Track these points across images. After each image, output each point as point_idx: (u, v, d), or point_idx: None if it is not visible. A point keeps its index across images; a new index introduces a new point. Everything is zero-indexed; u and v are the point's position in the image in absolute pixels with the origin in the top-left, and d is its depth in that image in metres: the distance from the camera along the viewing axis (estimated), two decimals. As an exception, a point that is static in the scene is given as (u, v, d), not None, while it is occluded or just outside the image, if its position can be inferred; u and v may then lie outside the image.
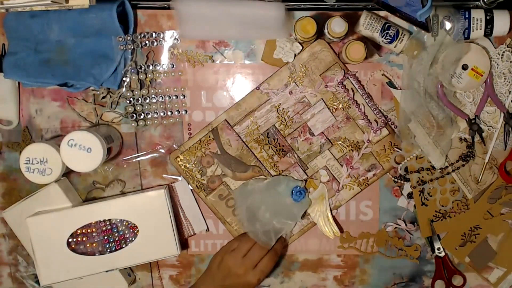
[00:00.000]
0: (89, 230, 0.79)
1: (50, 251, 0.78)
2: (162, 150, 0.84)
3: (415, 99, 0.80)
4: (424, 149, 0.83)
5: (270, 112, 0.82)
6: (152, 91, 0.83)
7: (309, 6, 0.81)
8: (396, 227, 0.86)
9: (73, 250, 0.79)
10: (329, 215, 0.84)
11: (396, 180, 0.84)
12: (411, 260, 0.87)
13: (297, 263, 0.88)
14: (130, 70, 0.81)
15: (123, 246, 0.80)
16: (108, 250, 0.79)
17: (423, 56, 0.78)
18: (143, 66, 0.81)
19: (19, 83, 0.83)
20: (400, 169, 0.84)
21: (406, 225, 0.86)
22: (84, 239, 0.79)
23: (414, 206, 0.85)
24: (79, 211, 0.79)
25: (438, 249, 0.86)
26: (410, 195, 0.85)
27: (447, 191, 0.85)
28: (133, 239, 0.80)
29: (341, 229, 0.86)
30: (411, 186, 0.84)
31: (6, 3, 0.72)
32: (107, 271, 0.80)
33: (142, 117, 0.83)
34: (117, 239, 0.79)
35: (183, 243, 0.86)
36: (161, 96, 0.83)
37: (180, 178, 0.85)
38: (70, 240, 0.79)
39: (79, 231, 0.79)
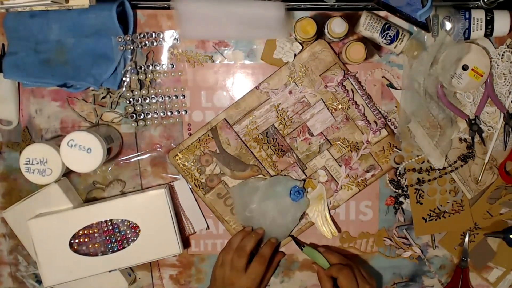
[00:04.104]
0: (90, 231, 0.79)
1: (53, 253, 0.79)
2: (161, 150, 0.84)
3: (415, 100, 0.80)
4: (424, 150, 0.83)
5: (270, 112, 0.82)
6: (152, 91, 0.83)
7: (309, 6, 0.80)
8: (396, 227, 0.86)
9: (76, 251, 0.79)
10: (327, 215, 0.84)
11: (395, 200, 0.85)
12: (410, 260, 0.87)
13: (297, 262, 0.88)
14: (130, 70, 0.81)
15: (125, 246, 0.80)
16: (111, 251, 0.80)
17: (423, 57, 0.78)
18: (143, 66, 0.81)
19: (19, 83, 0.82)
20: (399, 169, 0.84)
21: (404, 220, 0.86)
22: (86, 240, 0.79)
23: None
24: (80, 212, 0.79)
25: (464, 259, 0.86)
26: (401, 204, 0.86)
27: (446, 191, 0.85)
28: (135, 238, 0.80)
29: (339, 229, 0.86)
30: (407, 184, 0.84)
31: (6, 3, 0.72)
32: (110, 271, 0.80)
33: (142, 117, 0.83)
34: (119, 239, 0.80)
35: (184, 242, 0.86)
36: (161, 96, 0.82)
37: (179, 177, 0.85)
38: (72, 241, 0.79)
39: (80, 232, 0.79)
